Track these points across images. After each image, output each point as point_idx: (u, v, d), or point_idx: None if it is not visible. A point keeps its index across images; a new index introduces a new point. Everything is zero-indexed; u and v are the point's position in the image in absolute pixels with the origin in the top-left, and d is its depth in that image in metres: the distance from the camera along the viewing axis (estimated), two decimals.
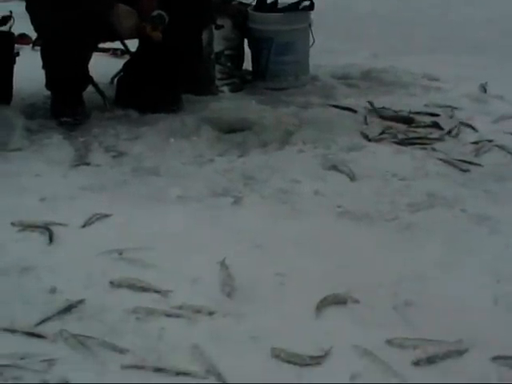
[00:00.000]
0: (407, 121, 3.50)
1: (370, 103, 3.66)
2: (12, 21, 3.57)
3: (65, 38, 3.18)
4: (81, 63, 3.37)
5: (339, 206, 2.66)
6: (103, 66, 3.77)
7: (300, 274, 2.20)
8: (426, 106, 3.73)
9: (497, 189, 2.85)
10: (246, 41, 4.09)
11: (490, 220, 2.58)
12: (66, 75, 3.34)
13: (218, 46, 3.88)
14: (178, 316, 2.02)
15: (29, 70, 3.54)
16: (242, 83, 3.94)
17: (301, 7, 3.96)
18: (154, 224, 2.50)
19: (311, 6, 3.95)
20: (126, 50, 3.96)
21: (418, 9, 6.73)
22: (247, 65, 4.12)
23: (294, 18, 3.96)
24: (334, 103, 3.74)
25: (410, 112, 3.59)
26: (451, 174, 2.98)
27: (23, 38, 4.33)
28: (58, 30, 3.18)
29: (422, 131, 3.40)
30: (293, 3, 3.98)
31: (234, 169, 2.97)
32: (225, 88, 3.83)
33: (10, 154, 3.10)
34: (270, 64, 3.95)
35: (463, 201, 2.73)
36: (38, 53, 3.51)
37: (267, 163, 3.01)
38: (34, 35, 4.21)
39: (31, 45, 4.45)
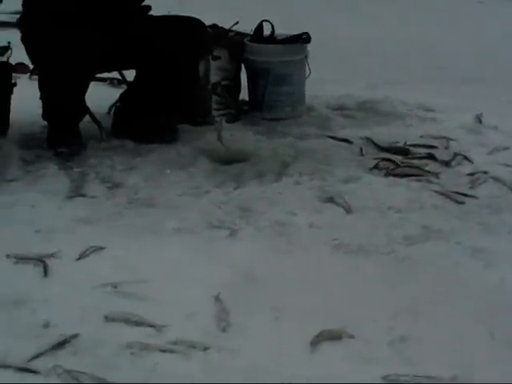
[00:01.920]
0: (403, 152, 3.51)
1: (367, 138, 3.66)
2: (10, 52, 3.59)
3: (61, 69, 3.19)
4: (78, 94, 3.39)
5: (335, 239, 2.65)
6: (100, 96, 3.77)
7: (295, 309, 2.20)
8: (421, 137, 3.73)
9: (492, 221, 2.85)
10: (243, 71, 4.10)
11: (485, 253, 2.58)
12: (63, 106, 3.35)
13: (214, 77, 3.88)
14: (172, 351, 2.02)
15: (26, 100, 3.56)
16: (238, 114, 3.95)
17: (298, 40, 3.98)
18: (149, 257, 2.49)
19: (308, 39, 3.97)
20: (123, 80, 3.98)
21: (414, 39, 6.78)
22: (244, 95, 4.13)
23: (291, 50, 3.97)
24: (330, 134, 3.75)
25: (406, 143, 3.60)
26: (446, 206, 2.98)
27: (21, 67, 4.34)
28: (54, 62, 3.19)
29: (417, 163, 3.40)
30: (290, 36, 4.00)
31: (230, 200, 2.97)
32: (221, 118, 3.83)
33: (5, 185, 3.11)
34: (266, 95, 3.96)
35: (458, 233, 2.73)
36: (36, 82, 3.53)
37: (263, 195, 3.01)
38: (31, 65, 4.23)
39: (29, 74, 4.46)
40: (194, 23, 3.53)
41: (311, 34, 4.01)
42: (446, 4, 9.54)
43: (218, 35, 3.93)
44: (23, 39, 3.41)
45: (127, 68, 3.75)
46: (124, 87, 3.98)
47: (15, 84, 3.58)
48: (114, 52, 3.34)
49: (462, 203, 3.00)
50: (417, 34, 6.99)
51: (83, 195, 3.04)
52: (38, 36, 3.24)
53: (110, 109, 3.87)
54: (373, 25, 7.51)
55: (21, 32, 3.44)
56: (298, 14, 7.02)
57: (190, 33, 3.47)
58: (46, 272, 2.41)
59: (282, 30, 4.09)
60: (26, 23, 3.41)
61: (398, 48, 6.26)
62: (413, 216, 2.86)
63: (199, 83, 3.74)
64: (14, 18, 6.67)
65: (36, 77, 4.50)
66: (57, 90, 3.29)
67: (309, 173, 3.21)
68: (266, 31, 4.07)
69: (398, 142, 3.62)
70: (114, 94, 3.93)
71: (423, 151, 3.54)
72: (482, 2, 10.05)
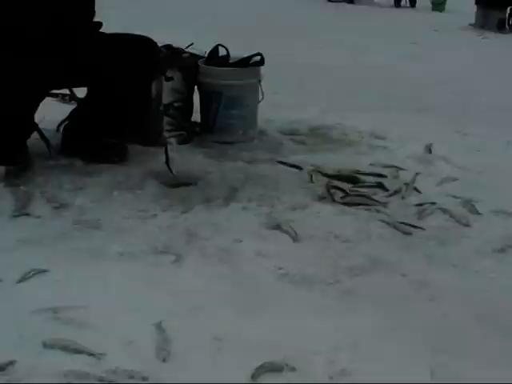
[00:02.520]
0: (352, 180, 3.52)
1: (317, 165, 3.67)
2: None
3: (14, 83, 3.13)
4: (28, 110, 3.32)
5: (280, 268, 2.64)
6: (50, 112, 3.71)
7: (237, 339, 2.18)
8: (371, 165, 3.75)
9: (438, 253, 2.86)
10: (195, 93, 4.09)
11: (430, 286, 2.59)
12: (10, 122, 3.28)
13: (167, 98, 3.86)
14: (110, 381, 1.98)
15: None
16: (190, 136, 3.93)
17: (251, 62, 3.99)
18: (91, 282, 2.45)
19: (261, 62, 3.98)
20: (74, 97, 3.94)
21: (368, 65, 6.86)
22: (196, 117, 4.11)
23: (244, 73, 3.98)
24: (281, 159, 3.74)
25: (356, 171, 3.62)
26: (394, 237, 2.99)
27: None
28: (7, 73, 3.13)
29: (366, 191, 3.42)
30: (243, 58, 4.00)
31: (176, 225, 2.94)
32: (172, 140, 3.81)
33: None
34: (218, 117, 3.95)
35: (404, 265, 2.74)
36: None
37: (210, 220, 2.99)
38: None
39: None
40: (146, 44, 3.50)
41: (268, 58, 4.02)
42: (406, 33, 9.72)
43: (172, 56, 3.92)
44: None
45: (78, 86, 3.71)
46: (74, 104, 3.94)
47: None
48: (64, 71, 3.29)
49: (409, 234, 3.02)
50: (374, 62, 7.09)
51: (28, 215, 2.98)
52: None
53: (59, 126, 3.82)
54: (331, 51, 7.61)
55: None
56: (257, 38, 7.05)
57: (142, 54, 3.43)
58: None
59: (239, 53, 4.09)
60: None
61: (353, 75, 6.33)
62: (359, 246, 2.86)
63: (151, 104, 3.71)
64: None
65: None
66: (4, 108, 3.22)
67: (257, 199, 3.20)
68: (222, 54, 4.07)
69: (347, 170, 3.63)
70: (64, 110, 3.89)
71: (373, 180, 3.56)
72: (437, 31, 10.24)
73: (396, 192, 3.43)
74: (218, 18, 9.74)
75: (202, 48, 4.17)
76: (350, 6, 14.58)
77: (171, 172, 3.34)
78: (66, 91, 4.08)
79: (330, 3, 14.68)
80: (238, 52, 4.10)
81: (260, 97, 4.05)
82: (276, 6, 12.35)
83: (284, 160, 3.74)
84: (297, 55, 7.11)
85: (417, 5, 14.78)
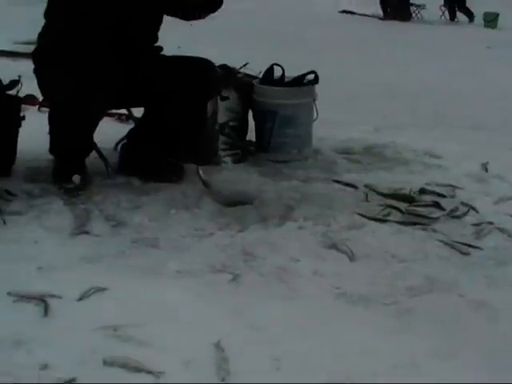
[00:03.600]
0: (408, 199, 3.50)
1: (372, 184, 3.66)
2: (20, 85, 3.59)
3: (73, 107, 3.20)
4: (87, 131, 3.40)
5: (337, 288, 2.64)
6: (108, 131, 3.77)
7: (296, 360, 2.18)
8: (427, 184, 3.72)
9: (497, 274, 2.83)
10: (250, 112, 4.12)
11: (489, 307, 2.56)
12: (71, 142, 3.36)
13: (222, 117, 3.90)
14: None
15: (33, 132, 3.58)
16: (244, 155, 3.95)
17: (305, 81, 4.00)
18: (150, 299, 2.47)
19: (316, 80, 3.99)
20: (131, 117, 4.00)
21: (420, 82, 6.83)
22: (251, 136, 4.14)
23: (299, 92, 4.00)
24: (336, 178, 3.74)
25: (411, 190, 3.60)
26: (451, 256, 2.97)
27: (30, 99, 4.35)
28: (66, 99, 3.21)
29: (422, 211, 3.40)
30: (297, 77, 4.02)
31: (233, 244, 2.95)
32: (228, 159, 3.84)
33: (8, 219, 3.07)
34: (273, 137, 3.97)
35: (462, 286, 2.71)
36: (44, 115, 3.54)
37: (267, 239, 3.00)
38: (40, 96, 4.25)
39: (37, 106, 4.48)
40: (203, 65, 3.55)
41: (321, 74, 4.03)
42: (458, 50, 9.65)
43: (228, 76, 3.95)
44: (36, 72, 3.43)
45: (136, 106, 3.76)
46: (131, 123, 4.00)
47: (23, 117, 3.58)
48: (124, 91, 3.36)
49: (466, 254, 2.99)
50: (427, 79, 7.05)
51: (87, 233, 3.03)
52: (52, 71, 3.26)
53: (116, 145, 3.88)
54: (383, 68, 7.59)
55: (34, 64, 3.46)
56: (310, 55, 7.08)
57: (199, 75, 3.48)
58: (46, 312, 2.40)
59: (292, 70, 4.10)
60: (40, 56, 3.42)
61: (406, 92, 6.30)
62: (417, 266, 2.85)
63: (207, 123, 3.74)
64: (27, 49, 6.74)
65: (45, 109, 4.54)
66: (66, 125, 3.29)
67: (313, 218, 3.20)
68: (277, 73, 4.09)
69: (403, 189, 3.61)
70: (122, 129, 3.95)
71: (429, 199, 3.53)
72: (489, 48, 10.15)
73: (453, 211, 3.40)
74: (265, 34, 9.80)
75: (256, 66, 4.21)
76: (402, 23, 14.52)
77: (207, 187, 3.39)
78: (123, 111, 4.14)
79: (381, 21, 14.67)
80: (287, 68, 4.11)
81: (314, 115, 4.06)
82: (327, 24, 12.39)
83: (339, 179, 3.74)
84: (348, 72, 7.12)
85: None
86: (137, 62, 3.40)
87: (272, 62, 4.09)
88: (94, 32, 3.24)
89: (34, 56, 3.48)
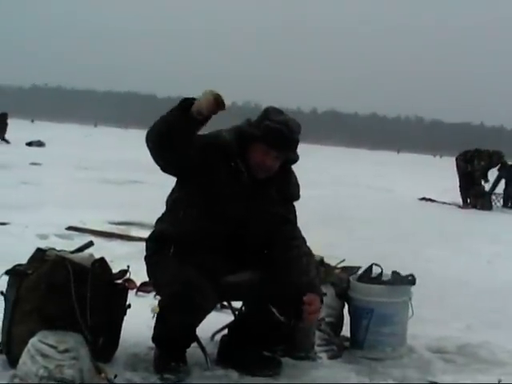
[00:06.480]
0: None
1: None
2: (128, 274, 3.73)
3: (183, 300, 3.32)
4: (193, 326, 3.51)
5: None
6: (204, 320, 3.86)
7: None
8: None
9: None
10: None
11: None
12: (176, 334, 3.46)
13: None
14: None
15: (131, 317, 3.67)
16: (339, 350, 3.99)
17: (403, 281, 4.07)
18: None
19: (413, 281, 4.06)
20: (231, 308, 4.09)
21: (506, 278, 6.79)
22: (345, 330, 4.18)
23: (396, 291, 4.06)
24: (432, 380, 3.73)
25: None
26: None
27: (128, 283, 4.50)
28: (178, 289, 3.34)
29: None
30: (395, 277, 4.09)
31: None
32: (323, 354, 3.88)
33: None
34: (368, 334, 4.01)
35: None
36: (141, 299, 3.64)
37: None
38: (137, 280, 4.39)
39: (135, 290, 4.62)
40: (301, 263, 3.60)
41: (407, 268, 4.10)
42: None
43: (325, 272, 4.05)
44: (148, 259, 3.63)
45: (236, 300, 3.87)
46: (226, 312, 4.09)
47: (129, 306, 3.69)
48: (228, 286, 3.50)
49: None
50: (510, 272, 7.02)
51: None
52: (165, 261, 3.47)
53: (213, 335, 3.96)
54: (468, 261, 7.61)
55: (147, 250, 3.66)
56: (392, 245, 7.13)
57: (299, 276, 3.55)
58: None
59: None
60: (157, 241, 3.62)
61: (493, 287, 6.28)
62: None
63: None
64: (122, 230, 7.00)
65: (142, 294, 4.71)
66: (176, 321, 3.38)
67: None
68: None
69: None
70: (218, 318, 4.02)
71: None
72: None
73: None
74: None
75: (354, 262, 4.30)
76: (482, 212, 14.55)
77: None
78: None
79: (461, 209, 14.75)
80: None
81: (410, 313, 4.10)
82: (405, 214, 12.58)
83: (435, 380, 3.72)
84: (438, 266, 7.18)
85: None
86: (244, 263, 3.56)
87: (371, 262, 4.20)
88: (212, 227, 3.45)
89: (149, 239, 3.68)
